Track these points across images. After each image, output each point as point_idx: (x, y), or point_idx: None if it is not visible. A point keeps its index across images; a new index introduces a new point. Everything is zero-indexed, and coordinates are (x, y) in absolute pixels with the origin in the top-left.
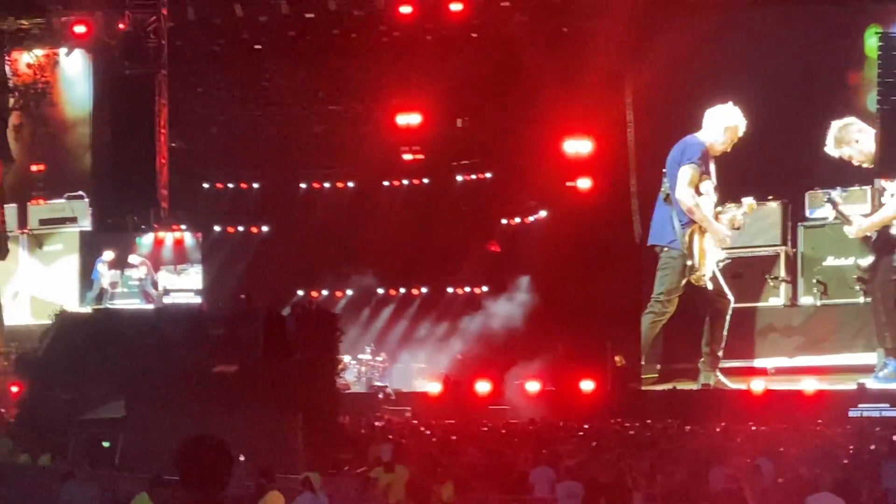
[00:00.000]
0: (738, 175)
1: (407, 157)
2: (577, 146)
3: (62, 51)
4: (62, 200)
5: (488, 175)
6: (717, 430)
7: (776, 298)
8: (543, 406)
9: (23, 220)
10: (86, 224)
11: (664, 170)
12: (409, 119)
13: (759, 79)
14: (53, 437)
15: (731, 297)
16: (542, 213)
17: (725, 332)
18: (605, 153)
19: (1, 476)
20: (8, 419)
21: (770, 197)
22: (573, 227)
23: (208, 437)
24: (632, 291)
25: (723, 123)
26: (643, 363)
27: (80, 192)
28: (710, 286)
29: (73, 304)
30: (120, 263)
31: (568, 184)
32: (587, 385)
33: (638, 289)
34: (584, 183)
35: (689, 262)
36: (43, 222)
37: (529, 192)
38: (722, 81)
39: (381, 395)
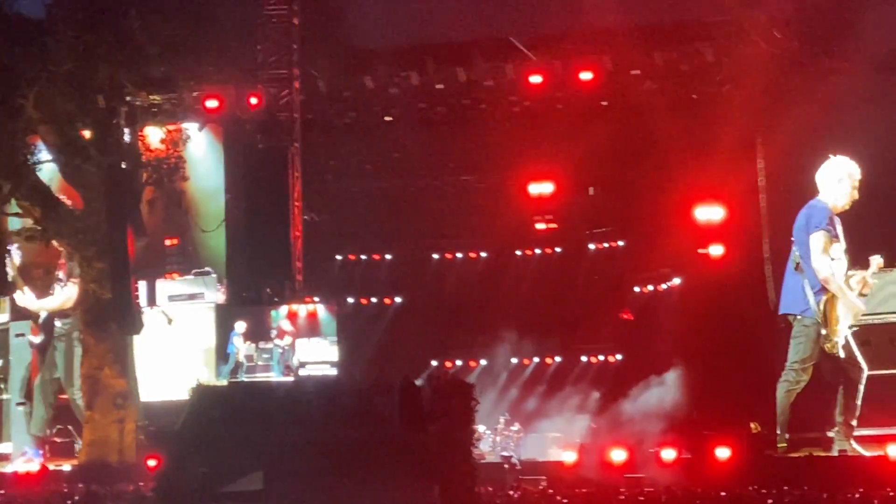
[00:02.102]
0: (861, 240)
1: (540, 226)
2: (709, 213)
3: (194, 125)
4: (190, 277)
5: (620, 243)
6: (855, 496)
7: None
8: (679, 474)
9: (152, 296)
10: (212, 298)
11: (793, 238)
12: (541, 188)
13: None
14: None
15: (864, 365)
16: (675, 281)
17: (859, 402)
18: (737, 219)
19: None
20: (145, 493)
21: None
22: (706, 294)
23: None
24: (767, 357)
25: (835, 178)
26: (778, 432)
27: (207, 269)
28: (842, 354)
29: (209, 377)
30: (254, 336)
31: (700, 251)
32: (723, 452)
33: (773, 355)
34: (716, 250)
35: (823, 331)
36: (172, 298)
37: (662, 260)
38: (854, 144)
39: (506, 466)
